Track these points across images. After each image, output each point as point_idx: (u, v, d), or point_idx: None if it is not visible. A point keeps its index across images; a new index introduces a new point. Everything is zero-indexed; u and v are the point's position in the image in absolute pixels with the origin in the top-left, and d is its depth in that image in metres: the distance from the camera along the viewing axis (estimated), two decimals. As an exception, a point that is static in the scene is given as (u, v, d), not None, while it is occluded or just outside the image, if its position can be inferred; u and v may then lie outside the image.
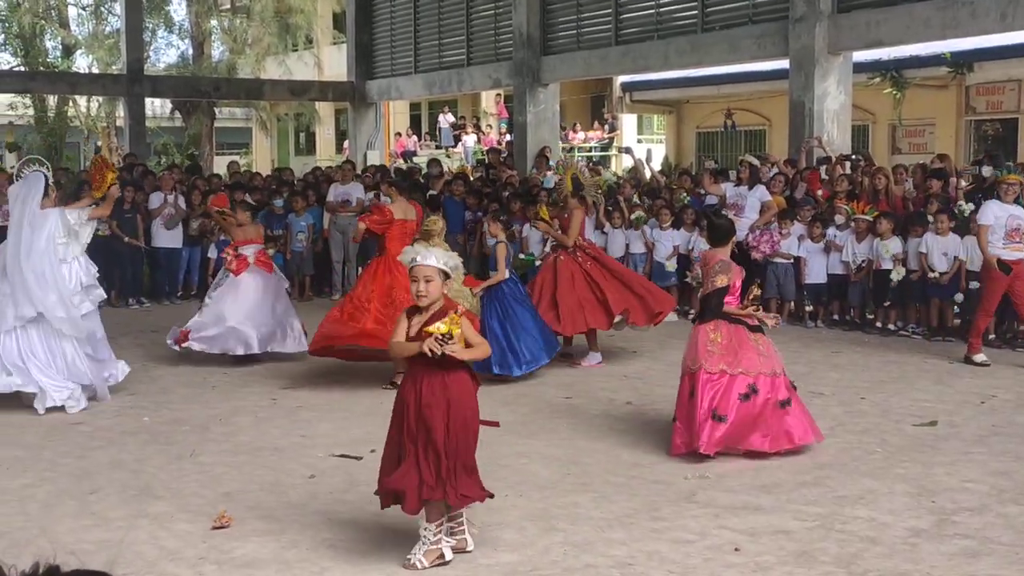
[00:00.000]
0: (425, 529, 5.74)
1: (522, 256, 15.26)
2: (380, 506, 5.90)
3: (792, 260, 13.89)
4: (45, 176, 10.04)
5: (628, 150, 17.01)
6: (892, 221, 13.14)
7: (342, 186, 17.23)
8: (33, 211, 9.71)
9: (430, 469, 5.61)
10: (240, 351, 11.37)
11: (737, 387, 7.72)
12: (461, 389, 5.72)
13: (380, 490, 5.86)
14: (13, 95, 36.57)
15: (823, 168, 15.55)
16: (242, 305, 11.49)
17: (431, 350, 5.54)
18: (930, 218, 12.93)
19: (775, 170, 15.31)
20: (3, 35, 39.96)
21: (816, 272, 13.84)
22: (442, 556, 5.75)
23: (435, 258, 5.73)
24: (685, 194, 15.83)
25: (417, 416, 5.66)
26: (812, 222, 13.92)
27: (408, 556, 5.73)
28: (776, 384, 7.83)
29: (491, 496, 5.90)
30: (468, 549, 5.90)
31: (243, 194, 14.74)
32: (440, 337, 5.58)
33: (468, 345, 5.71)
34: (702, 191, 15.68)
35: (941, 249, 12.71)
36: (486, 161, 22.02)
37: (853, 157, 15.99)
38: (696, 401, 7.69)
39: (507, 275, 10.66)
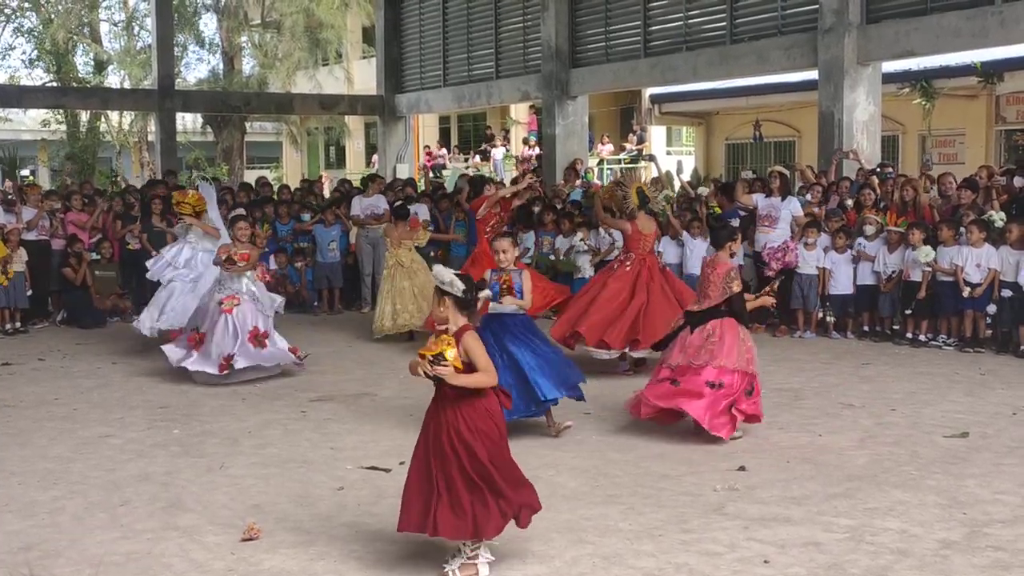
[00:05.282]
0: (464, 544, 5.73)
1: (564, 257, 15.37)
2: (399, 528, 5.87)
3: (816, 271, 13.75)
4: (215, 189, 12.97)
5: (653, 158, 16.99)
6: (924, 231, 13.04)
7: (367, 198, 17.17)
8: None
9: (460, 503, 5.60)
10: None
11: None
12: (478, 415, 5.66)
13: (411, 529, 5.77)
14: (45, 111, 36.90)
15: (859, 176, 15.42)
16: None
17: (423, 373, 5.50)
18: (962, 229, 12.84)
19: (803, 183, 15.23)
20: (36, 51, 40.38)
21: (842, 283, 13.69)
22: (477, 573, 5.74)
23: (434, 276, 5.74)
24: (717, 207, 15.72)
25: (438, 447, 5.66)
26: (836, 232, 13.81)
27: (443, 565, 5.75)
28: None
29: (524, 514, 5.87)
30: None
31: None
32: (432, 359, 5.51)
33: (472, 369, 5.59)
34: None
35: (975, 260, 12.61)
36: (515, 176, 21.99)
37: (879, 169, 15.89)
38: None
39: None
